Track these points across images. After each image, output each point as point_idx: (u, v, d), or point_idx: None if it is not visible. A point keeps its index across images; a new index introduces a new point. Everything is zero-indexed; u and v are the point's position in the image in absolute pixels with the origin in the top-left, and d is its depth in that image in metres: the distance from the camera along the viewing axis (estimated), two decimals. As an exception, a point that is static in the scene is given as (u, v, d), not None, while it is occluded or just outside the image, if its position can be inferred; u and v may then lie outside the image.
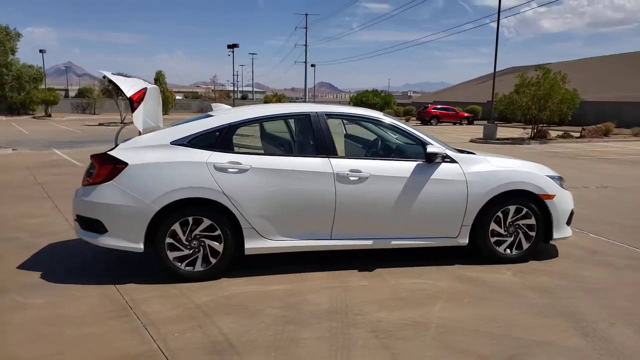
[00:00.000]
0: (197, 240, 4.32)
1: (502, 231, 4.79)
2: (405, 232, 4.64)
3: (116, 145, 4.89)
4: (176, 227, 4.25)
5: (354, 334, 3.38)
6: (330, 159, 4.48)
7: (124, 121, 29.04)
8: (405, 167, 4.59)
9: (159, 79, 43.47)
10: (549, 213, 4.82)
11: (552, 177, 4.97)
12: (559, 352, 3.18)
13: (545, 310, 3.79)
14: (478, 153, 5.05)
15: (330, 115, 4.68)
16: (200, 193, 4.24)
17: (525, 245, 4.85)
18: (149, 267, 4.66)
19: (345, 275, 4.50)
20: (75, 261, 4.90)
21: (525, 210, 4.78)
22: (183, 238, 4.29)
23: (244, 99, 66.56)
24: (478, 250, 4.81)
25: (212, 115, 4.70)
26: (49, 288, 4.18)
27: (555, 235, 4.88)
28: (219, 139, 4.41)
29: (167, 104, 39.96)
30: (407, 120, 48.48)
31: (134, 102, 4.36)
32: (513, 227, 4.82)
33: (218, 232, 4.30)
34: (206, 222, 4.28)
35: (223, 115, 4.60)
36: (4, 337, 3.33)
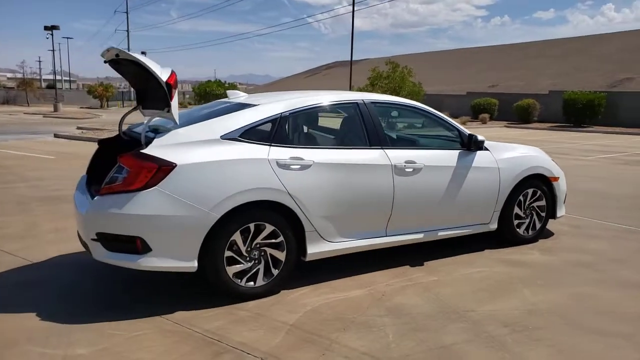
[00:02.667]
0: (257, 250, 3.70)
1: (521, 214, 5.03)
2: (450, 222, 4.59)
3: (128, 138, 4.00)
4: (236, 236, 3.58)
5: (492, 331, 3.22)
6: (385, 150, 4.20)
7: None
8: (450, 156, 4.53)
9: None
10: (554, 194, 5.21)
11: None
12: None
13: (612, 283, 4.07)
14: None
15: (376, 103, 4.39)
16: (265, 195, 3.63)
17: (538, 225, 5.17)
18: (175, 288, 3.87)
19: (404, 272, 4.28)
20: (82, 291, 3.83)
21: (539, 192, 5.09)
22: (243, 249, 3.63)
23: (50, 88, 56.63)
24: (501, 233, 4.98)
25: (246, 104, 4.04)
26: (79, 331, 3.19)
27: (558, 214, 5.29)
28: (274, 131, 3.82)
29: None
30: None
31: (172, 88, 3.52)
32: (529, 210, 5.09)
33: (280, 238, 3.73)
34: (268, 229, 3.68)
35: (271, 103, 3.98)
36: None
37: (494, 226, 4.85)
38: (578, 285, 4.03)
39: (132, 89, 54.27)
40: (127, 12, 63.67)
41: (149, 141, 3.50)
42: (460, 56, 71.81)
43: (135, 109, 4.50)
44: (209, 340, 3.10)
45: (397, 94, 23.67)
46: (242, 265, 3.63)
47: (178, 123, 3.63)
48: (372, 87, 23.83)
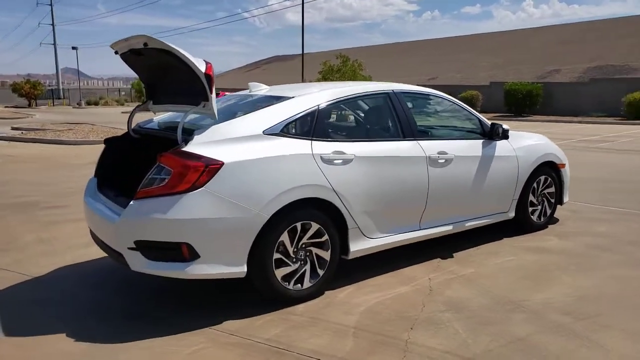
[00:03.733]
0: (303, 250, 3.49)
1: (535, 201, 5.10)
2: (476, 213, 4.57)
3: (140, 135, 3.69)
4: (284, 237, 3.35)
5: (557, 320, 3.19)
6: (419, 141, 4.10)
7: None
8: (476, 146, 4.50)
9: None
10: (562, 180, 5.32)
11: None
12: None
13: (638, 264, 4.19)
14: None
15: (405, 93, 4.27)
16: (312, 192, 3.43)
17: (548, 211, 5.27)
18: (202, 295, 3.60)
19: (438, 265, 4.20)
20: (107, 307, 3.46)
21: (549, 179, 5.18)
22: (290, 250, 3.41)
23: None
24: (517, 221, 5.02)
25: (279, 97, 3.79)
26: (125, 351, 2.86)
27: (565, 200, 5.42)
28: (314, 125, 3.61)
29: None
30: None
31: (211, 80, 3.23)
32: (541, 196, 5.17)
33: (325, 237, 3.54)
34: (314, 227, 3.48)
35: (306, 95, 3.75)
36: None
37: (512, 214, 4.89)
38: (609, 268, 4.11)
39: (61, 87, 51.03)
40: (51, 5, 59.95)
41: (187, 139, 3.19)
42: (397, 50, 73.18)
43: (143, 104, 4.13)
44: (276, 350, 2.87)
45: (349, 88, 23.76)
46: (290, 267, 3.42)
47: (217, 118, 3.34)
48: (324, 80, 23.73)
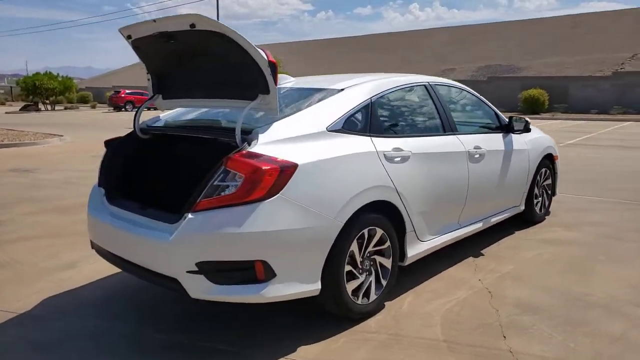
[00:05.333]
0: (368, 260, 3.14)
1: (538, 193, 5.15)
2: (499, 207, 4.48)
3: (151, 135, 3.20)
4: (354, 246, 2.98)
5: (635, 312, 3.16)
6: (457, 136, 3.90)
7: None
8: (500, 140, 4.41)
9: None
10: (556, 172, 5.43)
11: None
12: None
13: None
14: None
15: (439, 85, 4.06)
16: (379, 194, 3.09)
17: (547, 203, 5.36)
18: (241, 314, 3.14)
19: (476, 264, 4.04)
20: (152, 342, 2.84)
21: (548, 171, 5.26)
22: (358, 261, 3.05)
23: None
24: (525, 213, 5.00)
25: (324, 89, 3.38)
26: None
27: (557, 191, 5.54)
28: (369, 120, 3.26)
29: None
30: (94, 107, 43.63)
31: (276, 70, 2.76)
32: (542, 188, 5.23)
33: (387, 243, 3.22)
34: (378, 234, 3.14)
35: (354, 87, 3.37)
36: None
37: (523, 207, 4.88)
38: (636, 256, 4.20)
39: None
40: None
41: (247, 139, 2.70)
42: (294, 49, 73.33)
43: (150, 100, 3.53)
44: (383, 377, 2.51)
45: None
46: (358, 279, 3.06)
47: (278, 113, 2.88)
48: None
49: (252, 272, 2.60)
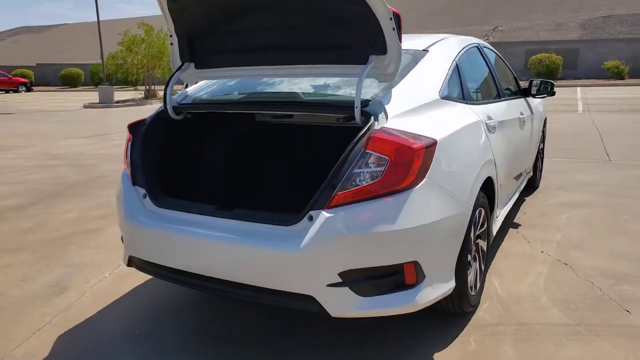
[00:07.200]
0: (474, 245, 2.76)
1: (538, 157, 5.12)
2: (524, 175, 4.30)
3: (189, 114, 2.60)
4: (472, 231, 2.59)
5: None
6: (508, 101, 3.64)
7: None
8: (527, 105, 4.22)
9: None
10: (545, 136, 5.47)
11: None
12: None
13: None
14: None
15: (484, 48, 3.73)
16: (489, 170, 2.73)
17: (541, 166, 5.37)
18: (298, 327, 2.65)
19: (522, 236, 3.88)
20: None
21: (542, 135, 5.26)
22: (473, 248, 2.67)
23: None
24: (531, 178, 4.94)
25: (408, 49, 2.85)
26: None
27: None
28: (461, 84, 2.84)
29: None
30: None
31: (400, 21, 2.19)
32: (540, 152, 5.21)
33: (486, 224, 2.87)
34: (481, 215, 2.78)
35: (438, 45, 2.90)
36: None
37: (532, 173, 4.82)
38: (656, 214, 4.32)
39: None
40: None
41: (368, 113, 2.15)
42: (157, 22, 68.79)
43: (178, 71, 2.76)
44: (558, 379, 2.19)
45: (160, 60, 21.48)
46: (471, 268, 2.68)
47: (395, 79, 2.34)
48: (129, 52, 20.91)
49: (401, 276, 2.10)
